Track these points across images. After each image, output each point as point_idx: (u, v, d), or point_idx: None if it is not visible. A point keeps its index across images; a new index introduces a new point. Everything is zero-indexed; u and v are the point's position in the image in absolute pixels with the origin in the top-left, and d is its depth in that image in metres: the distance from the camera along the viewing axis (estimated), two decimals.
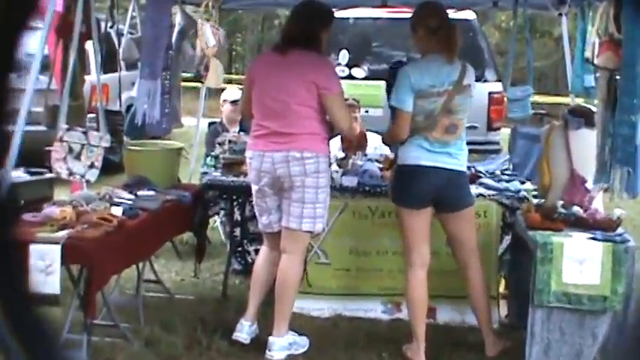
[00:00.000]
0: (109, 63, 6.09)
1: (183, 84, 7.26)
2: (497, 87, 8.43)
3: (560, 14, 5.65)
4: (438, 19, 4.53)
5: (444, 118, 4.47)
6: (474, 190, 5.27)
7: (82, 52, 5.13)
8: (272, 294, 4.67)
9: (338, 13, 8.13)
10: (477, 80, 5.14)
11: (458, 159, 4.54)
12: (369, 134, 5.63)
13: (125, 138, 6.32)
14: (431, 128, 4.47)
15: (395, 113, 4.59)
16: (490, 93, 8.40)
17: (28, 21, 0.85)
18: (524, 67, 6.78)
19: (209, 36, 5.91)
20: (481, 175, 5.72)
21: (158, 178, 5.40)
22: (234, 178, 5.60)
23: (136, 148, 5.70)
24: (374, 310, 5.37)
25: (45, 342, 1.25)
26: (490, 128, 8.54)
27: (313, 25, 4.62)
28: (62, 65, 5.07)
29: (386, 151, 5.87)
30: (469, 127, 4.96)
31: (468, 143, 5.01)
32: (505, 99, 6.59)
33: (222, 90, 7.36)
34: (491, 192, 5.36)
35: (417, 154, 4.50)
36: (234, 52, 27.82)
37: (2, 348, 1.21)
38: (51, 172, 5.55)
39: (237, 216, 5.86)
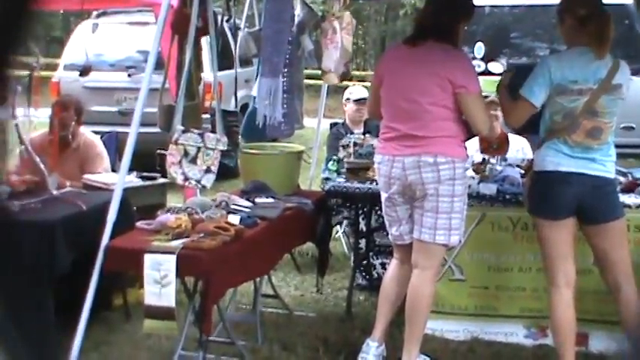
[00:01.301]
0: (222, 59, 6.26)
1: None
2: None
3: None
4: (588, 8, 4.44)
5: (587, 120, 4.38)
6: (633, 200, 5.14)
7: (198, 49, 5.28)
8: (401, 313, 4.68)
9: None
10: (634, 74, 5.00)
11: (604, 165, 4.43)
12: (510, 136, 5.58)
13: (241, 140, 6.46)
14: (571, 130, 4.40)
15: (519, 101, 4.55)
16: None
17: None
18: None
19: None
20: None
21: (277, 184, 5.51)
22: (360, 185, 5.63)
23: (254, 151, 5.83)
24: (515, 333, 5.31)
25: (46, 340, 1.30)
26: None
27: (451, 15, 4.62)
28: (177, 63, 5.24)
29: (529, 154, 5.80)
30: (624, 128, 4.86)
31: (624, 146, 4.89)
32: None
33: (345, 88, 7.44)
34: None
35: (556, 160, 4.44)
36: (355, 46, 28.01)
37: (3, 345, 1.26)
38: (163, 176, 5.75)
39: (362, 226, 5.91)
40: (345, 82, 7.64)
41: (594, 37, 4.39)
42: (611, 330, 4.98)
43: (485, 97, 5.39)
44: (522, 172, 5.51)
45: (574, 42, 4.51)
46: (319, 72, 6.57)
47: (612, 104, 4.41)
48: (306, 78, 6.86)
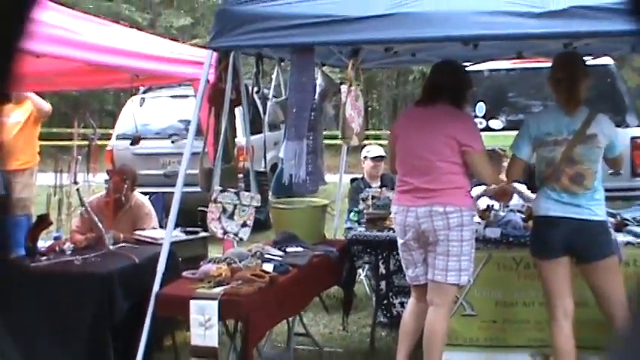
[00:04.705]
0: (253, 125, 6.36)
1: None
2: None
3: None
4: (563, 71, 4.55)
5: (567, 167, 4.43)
6: (621, 238, 5.13)
7: (232, 118, 5.37)
8: (419, 346, 4.67)
9: (473, 67, 8.17)
10: (617, 126, 5.05)
11: (591, 209, 4.42)
12: (515, 184, 5.61)
13: (270, 196, 6.53)
14: (556, 178, 4.45)
15: (511, 158, 4.74)
16: (633, 138, 8.18)
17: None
18: None
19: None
20: (628, 222, 5.56)
21: (305, 235, 5.57)
22: (379, 233, 5.68)
23: (283, 206, 5.91)
24: None
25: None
26: (635, 174, 8.27)
27: (461, 81, 4.72)
28: (215, 130, 5.33)
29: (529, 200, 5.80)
30: (612, 173, 4.87)
31: (612, 190, 4.88)
32: None
33: (363, 147, 7.50)
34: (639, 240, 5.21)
35: (547, 205, 4.49)
36: (370, 108, 28.15)
37: None
38: (204, 230, 5.82)
39: (382, 269, 5.91)
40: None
41: (565, 94, 4.51)
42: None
43: (491, 150, 5.45)
44: (524, 216, 5.52)
45: (555, 99, 4.64)
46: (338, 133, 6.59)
47: (589, 152, 4.45)
48: (327, 138, 6.90)
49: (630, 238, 5.20)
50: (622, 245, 4.98)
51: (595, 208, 4.45)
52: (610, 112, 5.87)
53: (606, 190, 4.61)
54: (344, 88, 5.91)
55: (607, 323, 4.56)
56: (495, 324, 5.37)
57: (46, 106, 8.01)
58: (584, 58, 5.21)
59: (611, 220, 5.24)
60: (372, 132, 20.75)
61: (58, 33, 4.68)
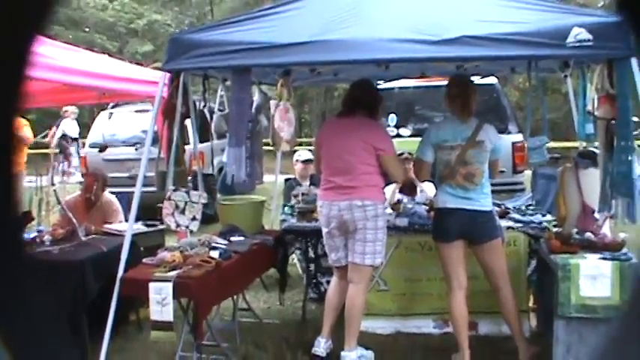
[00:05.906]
0: (203, 134, 6.29)
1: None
2: (519, 137, 8.40)
3: (565, 76, 5.60)
4: (457, 88, 4.62)
5: (461, 168, 4.49)
6: (504, 223, 5.24)
7: (183, 128, 5.31)
8: (342, 316, 4.70)
9: (386, 84, 8.22)
10: (501, 133, 5.14)
11: (480, 201, 4.50)
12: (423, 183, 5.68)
13: (218, 195, 6.47)
14: (452, 176, 4.50)
15: (417, 161, 4.77)
16: (513, 143, 8.38)
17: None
18: (540, 120, 6.74)
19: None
20: (509, 210, 5.69)
21: (246, 226, 5.53)
22: (308, 224, 5.68)
23: (228, 202, 5.86)
24: (426, 326, 5.36)
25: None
26: (515, 171, 8.48)
27: (374, 96, 4.74)
28: (168, 139, 5.25)
29: (431, 195, 5.88)
30: (491, 176, 4.95)
31: (498, 184, 4.95)
32: (526, 147, 6.57)
33: (295, 152, 7.49)
34: (518, 224, 5.34)
35: (445, 199, 4.54)
36: (302, 120, 28.19)
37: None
38: (162, 224, 5.74)
39: (311, 254, 5.93)
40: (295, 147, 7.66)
41: (459, 108, 4.57)
42: (494, 318, 5.05)
43: (401, 154, 5.48)
44: (427, 208, 5.59)
45: (450, 112, 4.68)
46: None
47: (479, 156, 4.52)
48: (266, 145, 6.87)
49: (511, 223, 5.35)
50: (505, 229, 5.09)
51: (483, 201, 4.53)
52: (495, 121, 5.98)
53: (492, 184, 4.70)
54: (273, 102, 5.87)
55: (492, 292, 4.66)
56: (405, 296, 5.44)
57: (27, 137, 8.21)
58: (474, 77, 5.33)
59: (497, 209, 5.34)
60: (305, 139, 20.74)
61: (39, 59, 4.58)
